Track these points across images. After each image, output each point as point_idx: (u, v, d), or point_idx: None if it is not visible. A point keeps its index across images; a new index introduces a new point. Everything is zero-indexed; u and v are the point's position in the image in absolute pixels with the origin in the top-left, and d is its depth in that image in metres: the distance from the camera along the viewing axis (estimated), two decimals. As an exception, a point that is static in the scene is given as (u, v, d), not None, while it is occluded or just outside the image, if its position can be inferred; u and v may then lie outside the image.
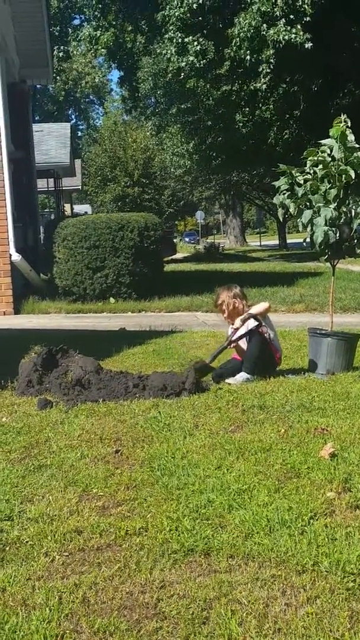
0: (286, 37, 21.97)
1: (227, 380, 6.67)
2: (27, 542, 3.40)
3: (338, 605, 2.79)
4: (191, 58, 23.79)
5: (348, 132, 6.62)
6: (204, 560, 3.18)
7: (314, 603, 2.82)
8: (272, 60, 22.73)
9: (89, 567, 3.16)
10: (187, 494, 3.85)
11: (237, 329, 6.72)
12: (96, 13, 30.30)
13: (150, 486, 4.02)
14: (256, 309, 6.81)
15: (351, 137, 6.62)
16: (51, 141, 30.84)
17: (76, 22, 52.22)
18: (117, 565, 3.16)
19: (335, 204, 6.63)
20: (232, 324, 6.89)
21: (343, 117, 6.69)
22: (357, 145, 6.60)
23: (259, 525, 3.43)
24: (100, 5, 29.64)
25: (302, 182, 6.81)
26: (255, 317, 6.71)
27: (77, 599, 2.89)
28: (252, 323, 6.75)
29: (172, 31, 23.92)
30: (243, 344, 6.83)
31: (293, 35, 21.97)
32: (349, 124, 6.64)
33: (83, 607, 2.83)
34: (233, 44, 23.31)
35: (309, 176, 6.80)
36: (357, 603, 2.81)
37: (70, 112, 78.99)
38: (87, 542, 3.38)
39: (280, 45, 22.09)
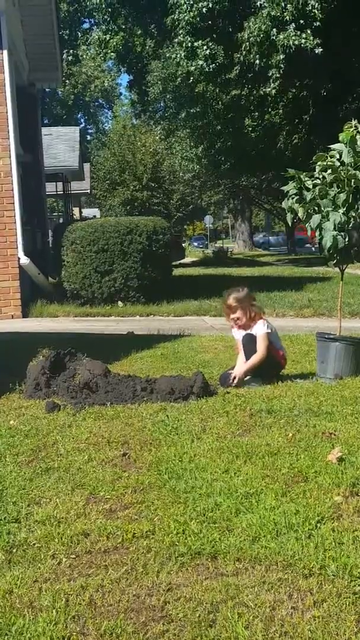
0: (296, 42, 21.98)
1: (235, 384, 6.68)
2: (34, 544, 3.40)
3: (345, 609, 2.79)
4: (200, 62, 23.80)
5: (358, 137, 6.61)
6: (210, 564, 3.18)
7: (321, 607, 2.82)
8: (282, 65, 22.73)
9: (96, 569, 3.16)
10: (194, 497, 3.85)
11: (233, 379, 6.71)
12: (106, 17, 30.36)
13: (157, 489, 4.02)
14: (248, 365, 6.74)
15: (360, 142, 6.62)
16: (60, 145, 30.92)
17: (86, 25, 52.24)
18: (124, 567, 3.16)
19: (344, 209, 6.62)
20: (237, 328, 6.93)
21: (354, 122, 6.69)
22: (366, 150, 6.59)
23: (266, 528, 3.43)
24: (109, 9, 29.70)
25: (311, 186, 6.81)
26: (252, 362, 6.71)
27: (83, 601, 2.89)
28: (261, 330, 6.75)
29: (181, 35, 23.95)
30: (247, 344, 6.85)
31: (303, 40, 21.98)
32: (359, 129, 6.64)
33: (90, 610, 2.84)
34: (243, 48, 23.35)
35: (317, 181, 6.80)
36: (364, 607, 2.81)
37: (79, 115, 79.16)
38: (94, 544, 3.39)
39: (291, 50, 22.10)
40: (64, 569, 3.17)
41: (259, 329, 6.78)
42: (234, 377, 6.69)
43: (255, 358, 6.70)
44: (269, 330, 6.81)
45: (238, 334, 7.05)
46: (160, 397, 6.09)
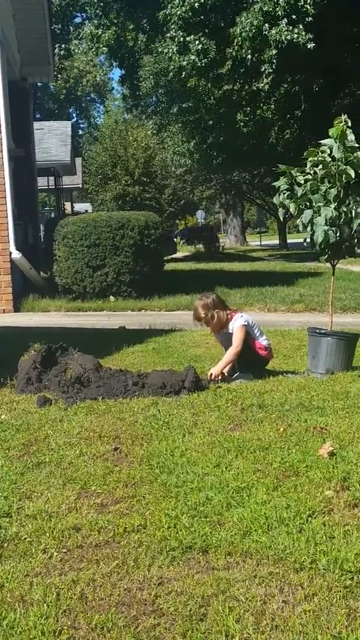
0: (288, 37, 21.99)
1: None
2: (25, 538, 3.40)
3: (335, 602, 2.80)
4: (192, 57, 23.80)
5: (348, 131, 6.61)
6: (202, 558, 3.19)
7: (312, 600, 2.82)
8: (274, 60, 22.73)
9: (87, 563, 3.17)
10: (185, 491, 3.85)
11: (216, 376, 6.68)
12: (98, 11, 30.32)
13: (148, 484, 4.03)
14: (223, 362, 6.71)
15: (351, 137, 6.62)
16: (52, 139, 30.85)
17: (78, 20, 52.11)
18: (115, 562, 3.16)
19: (335, 204, 6.63)
20: (216, 333, 6.94)
21: (343, 117, 6.69)
22: (356, 145, 6.59)
23: (257, 523, 3.44)
24: (101, 4, 29.68)
25: (302, 182, 6.82)
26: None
27: (75, 595, 2.90)
28: (237, 323, 6.74)
29: (173, 30, 23.93)
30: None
31: (295, 36, 21.98)
32: (349, 124, 6.64)
33: (81, 604, 2.84)
34: (235, 43, 23.33)
35: (309, 176, 6.80)
36: (355, 601, 2.81)
37: (71, 110, 78.97)
38: (86, 539, 3.39)
39: (283, 45, 22.09)
40: (55, 563, 3.17)
41: (235, 323, 6.78)
42: (210, 374, 6.66)
43: (229, 352, 6.69)
44: (245, 323, 6.79)
45: (219, 336, 7.07)
46: (152, 392, 6.09)
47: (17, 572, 3.09)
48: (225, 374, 6.68)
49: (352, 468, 4.13)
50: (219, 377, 6.61)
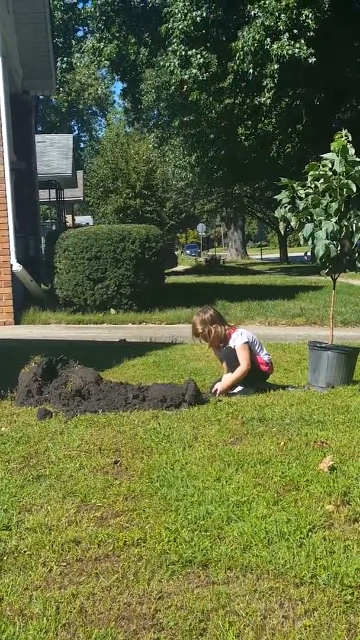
0: (290, 52, 22.04)
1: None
2: (25, 551, 3.39)
3: (336, 618, 2.79)
4: (194, 71, 23.87)
5: (349, 146, 6.64)
6: (202, 572, 3.18)
7: (312, 616, 2.81)
8: (275, 75, 22.80)
9: (87, 577, 3.16)
10: (185, 505, 3.85)
11: (220, 393, 6.69)
12: (100, 25, 30.43)
13: (149, 497, 4.02)
14: (232, 379, 6.71)
15: (352, 151, 6.64)
16: (53, 152, 30.93)
17: (80, 33, 52.46)
18: (115, 575, 3.15)
19: (337, 218, 6.65)
20: (214, 348, 6.93)
21: (344, 131, 6.72)
22: (358, 159, 6.61)
23: (257, 537, 3.43)
24: (104, 18, 29.77)
25: (303, 195, 6.83)
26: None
27: (74, 609, 2.89)
28: (238, 342, 6.73)
29: (175, 44, 24.01)
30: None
31: (297, 50, 22.05)
32: (350, 138, 6.66)
33: (80, 618, 2.83)
34: (236, 57, 23.40)
35: (310, 190, 6.82)
36: (355, 616, 2.80)
37: (72, 123, 79.26)
38: (85, 552, 3.38)
39: (284, 59, 22.16)
40: (55, 577, 3.16)
41: (237, 341, 6.77)
42: (215, 390, 6.66)
43: (239, 371, 6.66)
44: (247, 340, 6.78)
45: (218, 352, 7.05)
46: (152, 405, 6.08)
47: (16, 586, 3.08)
48: (223, 392, 6.69)
49: (353, 482, 4.12)
50: (217, 395, 6.61)
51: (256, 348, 6.89)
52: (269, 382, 7.03)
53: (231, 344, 6.80)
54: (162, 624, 2.78)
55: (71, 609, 2.89)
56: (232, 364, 6.75)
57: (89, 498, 4.02)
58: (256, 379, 6.83)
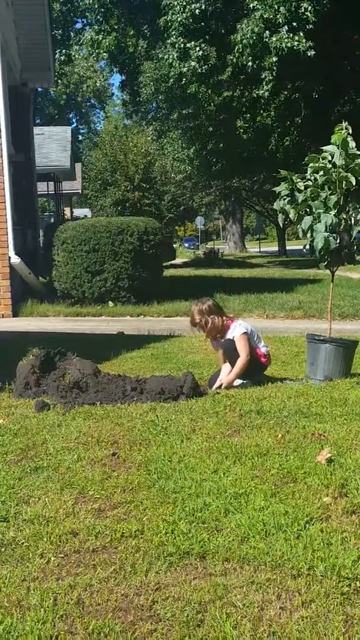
0: (289, 45, 21.99)
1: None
2: (22, 543, 3.40)
3: (333, 609, 2.80)
4: (193, 63, 23.84)
5: (349, 138, 6.62)
6: (199, 564, 3.18)
7: (309, 607, 2.82)
8: (274, 68, 22.76)
9: (84, 568, 3.16)
10: (183, 497, 3.85)
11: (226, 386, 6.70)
12: (98, 17, 30.38)
13: (146, 489, 4.02)
14: (234, 372, 6.70)
15: (352, 144, 6.63)
16: (52, 144, 30.91)
17: (78, 25, 52.18)
18: (113, 567, 3.16)
19: (336, 211, 6.63)
20: (212, 339, 6.93)
21: (344, 124, 6.70)
22: (358, 152, 6.60)
23: (254, 529, 3.44)
24: (102, 10, 29.72)
25: (302, 188, 6.82)
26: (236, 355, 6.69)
27: (72, 600, 2.89)
28: (237, 332, 6.73)
29: (174, 36, 23.96)
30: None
31: (295, 43, 22.00)
32: (350, 131, 6.65)
33: (78, 609, 2.83)
34: (235, 50, 23.35)
35: (309, 182, 6.81)
36: (352, 607, 2.81)
37: (71, 115, 79.16)
38: (83, 544, 3.39)
39: (283, 52, 22.12)
40: (53, 568, 3.17)
41: (235, 332, 6.76)
42: (220, 384, 6.67)
43: (239, 363, 6.66)
44: (245, 331, 6.78)
45: (215, 343, 7.04)
46: (150, 397, 6.09)
47: (14, 577, 3.09)
48: (228, 386, 6.68)
49: (350, 475, 4.13)
50: (222, 389, 6.62)
51: (254, 339, 6.89)
52: (266, 374, 7.03)
53: (229, 335, 6.79)
54: (159, 615, 2.79)
55: (69, 600, 2.89)
56: (230, 355, 6.74)
57: (86, 490, 4.03)
58: (254, 371, 6.82)
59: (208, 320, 6.82)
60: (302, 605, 2.83)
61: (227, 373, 6.74)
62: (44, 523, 3.59)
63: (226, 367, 6.79)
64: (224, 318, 6.91)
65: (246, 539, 3.36)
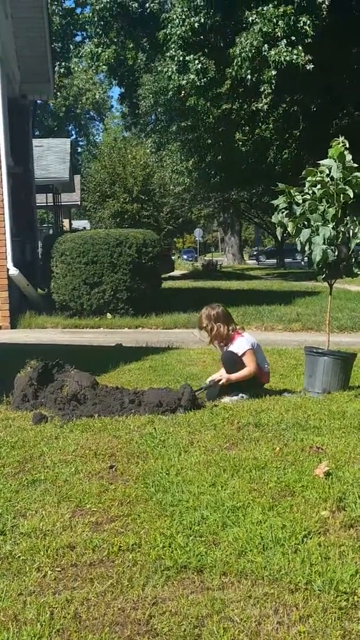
0: (287, 58, 22.09)
1: (221, 400, 6.66)
2: (19, 556, 3.38)
3: (330, 624, 2.78)
4: (192, 76, 23.93)
5: (346, 152, 6.64)
6: (196, 577, 3.17)
7: (307, 622, 2.81)
8: (273, 81, 22.84)
9: (81, 582, 3.15)
10: (181, 510, 3.84)
11: (218, 381, 6.76)
12: (98, 30, 30.45)
13: (144, 502, 4.01)
14: (237, 375, 6.74)
15: (349, 157, 6.65)
16: (51, 156, 30.93)
17: (78, 38, 52.48)
18: (110, 581, 3.14)
19: (334, 224, 6.65)
20: (215, 345, 6.95)
21: (341, 138, 6.72)
22: (355, 165, 6.62)
23: (252, 543, 3.42)
24: (102, 23, 29.80)
25: (300, 201, 6.83)
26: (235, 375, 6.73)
27: (68, 614, 2.88)
28: (242, 348, 6.73)
29: (173, 49, 24.06)
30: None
31: (294, 57, 22.09)
32: (347, 145, 6.66)
33: (74, 623, 2.82)
34: (234, 63, 23.44)
35: (307, 196, 6.82)
36: (350, 622, 2.80)
37: (70, 127, 79.33)
38: (80, 557, 3.37)
39: (282, 66, 22.20)
40: (49, 582, 3.15)
41: (240, 347, 6.76)
42: (220, 379, 6.73)
43: (245, 372, 6.69)
44: (250, 347, 6.78)
45: (220, 349, 7.04)
46: (148, 410, 6.08)
47: (10, 591, 3.07)
48: (226, 383, 6.74)
49: (348, 488, 4.12)
50: (221, 384, 6.70)
51: (259, 356, 6.91)
52: (265, 387, 7.03)
53: (233, 348, 6.79)
54: (156, 629, 2.78)
55: (65, 614, 2.88)
56: (230, 368, 6.76)
57: (84, 503, 4.01)
58: (253, 386, 6.83)
59: (214, 327, 6.85)
60: (299, 620, 2.82)
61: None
62: (40, 536, 3.58)
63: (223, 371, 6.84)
64: (231, 328, 6.91)
65: (244, 553, 3.35)
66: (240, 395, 6.70)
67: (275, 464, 4.59)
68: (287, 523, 3.64)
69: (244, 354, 6.72)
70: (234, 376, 6.73)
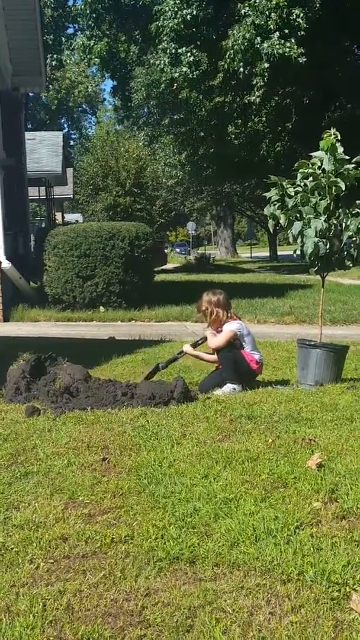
0: (280, 51, 22.06)
1: (214, 392, 6.67)
2: (12, 548, 3.39)
3: (322, 614, 2.79)
4: (184, 69, 23.89)
5: (338, 144, 6.63)
6: (189, 569, 3.17)
7: (299, 612, 2.82)
8: (266, 74, 22.81)
9: (74, 574, 3.15)
10: (173, 502, 3.84)
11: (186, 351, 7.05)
12: (90, 22, 30.36)
13: (136, 494, 4.02)
14: (219, 341, 6.86)
15: (340, 149, 6.64)
16: (43, 149, 30.85)
17: (70, 31, 52.31)
18: (102, 572, 3.15)
19: (326, 216, 6.65)
20: (212, 331, 6.99)
21: (332, 130, 6.72)
22: (347, 158, 6.62)
23: (244, 534, 3.43)
24: (94, 15, 29.71)
25: (292, 193, 6.83)
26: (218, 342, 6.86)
27: (61, 605, 2.88)
28: (228, 327, 6.81)
29: (165, 42, 24.01)
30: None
31: (287, 49, 22.07)
32: (339, 137, 6.66)
33: (67, 614, 2.82)
34: (227, 56, 23.41)
35: (299, 188, 6.82)
36: (342, 613, 2.81)
37: (62, 120, 79.10)
38: (73, 549, 3.38)
39: (274, 58, 22.18)
40: (42, 574, 3.16)
41: (228, 326, 6.83)
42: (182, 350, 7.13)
43: (213, 341, 6.88)
44: (236, 330, 6.82)
45: (212, 337, 7.04)
46: (141, 402, 6.08)
47: (3, 582, 3.07)
48: (193, 354, 7.18)
49: (340, 480, 4.13)
50: (185, 354, 7.15)
51: (247, 343, 6.90)
52: (257, 379, 7.04)
53: (224, 327, 6.86)
54: (148, 620, 2.78)
55: (58, 605, 2.88)
56: (224, 362, 6.81)
57: (76, 495, 4.02)
58: (246, 377, 6.84)
59: (214, 311, 6.90)
60: (291, 611, 2.83)
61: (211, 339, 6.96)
62: (33, 528, 3.58)
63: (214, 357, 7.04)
64: (229, 314, 6.96)
65: (236, 544, 3.36)
66: (233, 387, 6.70)
67: (268, 456, 4.60)
68: (280, 514, 3.65)
69: (226, 331, 6.81)
70: (196, 352, 7.15)
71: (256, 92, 24.11)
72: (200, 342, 7.13)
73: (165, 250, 50.98)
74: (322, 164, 6.69)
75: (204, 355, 7.18)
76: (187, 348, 7.17)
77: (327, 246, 6.70)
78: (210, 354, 7.11)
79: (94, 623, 2.76)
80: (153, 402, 6.08)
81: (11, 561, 3.27)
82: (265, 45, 22.34)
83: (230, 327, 6.82)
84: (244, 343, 6.86)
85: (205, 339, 7.03)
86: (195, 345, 7.15)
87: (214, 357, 7.00)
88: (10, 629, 2.72)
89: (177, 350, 7.51)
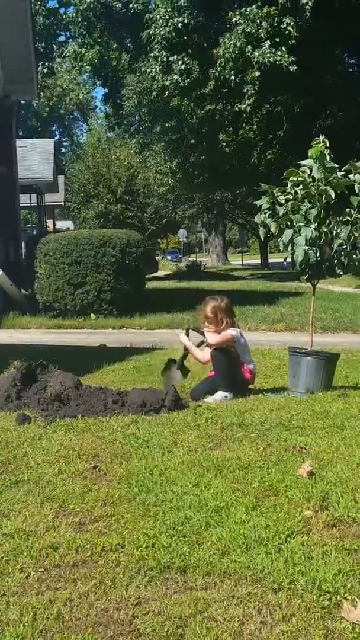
0: (271, 59, 22.14)
1: (205, 400, 6.67)
2: (2, 557, 3.37)
3: (313, 623, 2.79)
4: (176, 77, 23.97)
5: (327, 152, 6.64)
6: (180, 578, 3.17)
7: (290, 621, 2.81)
8: (256, 82, 22.89)
9: (64, 583, 3.14)
10: (164, 510, 3.83)
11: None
12: (81, 30, 30.46)
13: (127, 502, 4.00)
14: (216, 339, 6.86)
15: (329, 158, 6.65)
16: (34, 157, 30.84)
17: (61, 38, 52.43)
18: (93, 581, 3.14)
19: (316, 224, 6.66)
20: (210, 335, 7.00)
21: (321, 137, 6.73)
22: (336, 166, 6.63)
23: (235, 542, 3.43)
24: (85, 23, 29.80)
25: (283, 201, 6.84)
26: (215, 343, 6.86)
27: (51, 615, 2.87)
28: (226, 331, 6.81)
29: (157, 50, 24.09)
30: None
31: (278, 58, 22.14)
32: (328, 144, 6.67)
33: (57, 624, 2.81)
34: (218, 64, 23.48)
35: (290, 196, 6.83)
36: (333, 621, 2.80)
37: (54, 128, 79.19)
38: (63, 558, 3.36)
39: (265, 67, 22.26)
40: (32, 583, 3.14)
41: (225, 330, 6.82)
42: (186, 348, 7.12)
43: (211, 337, 6.86)
44: (234, 335, 6.83)
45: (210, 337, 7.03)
46: (132, 410, 6.07)
47: (-7, 592, 3.06)
48: (186, 345, 7.14)
49: (331, 488, 4.13)
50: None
51: (244, 352, 6.90)
52: (249, 387, 7.03)
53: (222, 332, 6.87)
54: (139, 630, 2.77)
55: (48, 615, 2.87)
56: (218, 366, 6.80)
57: (67, 503, 4.00)
58: (238, 385, 6.84)
59: (222, 318, 6.87)
60: (282, 620, 2.82)
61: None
62: (24, 537, 3.57)
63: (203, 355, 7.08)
64: (230, 322, 6.96)
65: (227, 553, 3.35)
66: (224, 395, 6.70)
67: (259, 464, 4.60)
68: (271, 523, 3.64)
69: (224, 333, 6.82)
70: (192, 349, 7.10)
71: (247, 100, 24.19)
72: (200, 342, 7.06)
73: (157, 258, 51.02)
74: (311, 172, 6.70)
75: (195, 350, 7.11)
76: (182, 337, 7.18)
77: (318, 254, 6.71)
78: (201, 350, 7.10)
79: (85, 632, 2.75)
80: (144, 410, 6.07)
81: (1, 570, 3.25)
82: (256, 53, 22.43)
83: (228, 332, 6.83)
84: (239, 351, 6.86)
85: (203, 342, 7.00)
86: (198, 345, 7.10)
87: (203, 354, 6.98)
88: (0, 639, 2.71)
89: (177, 351, 7.44)
